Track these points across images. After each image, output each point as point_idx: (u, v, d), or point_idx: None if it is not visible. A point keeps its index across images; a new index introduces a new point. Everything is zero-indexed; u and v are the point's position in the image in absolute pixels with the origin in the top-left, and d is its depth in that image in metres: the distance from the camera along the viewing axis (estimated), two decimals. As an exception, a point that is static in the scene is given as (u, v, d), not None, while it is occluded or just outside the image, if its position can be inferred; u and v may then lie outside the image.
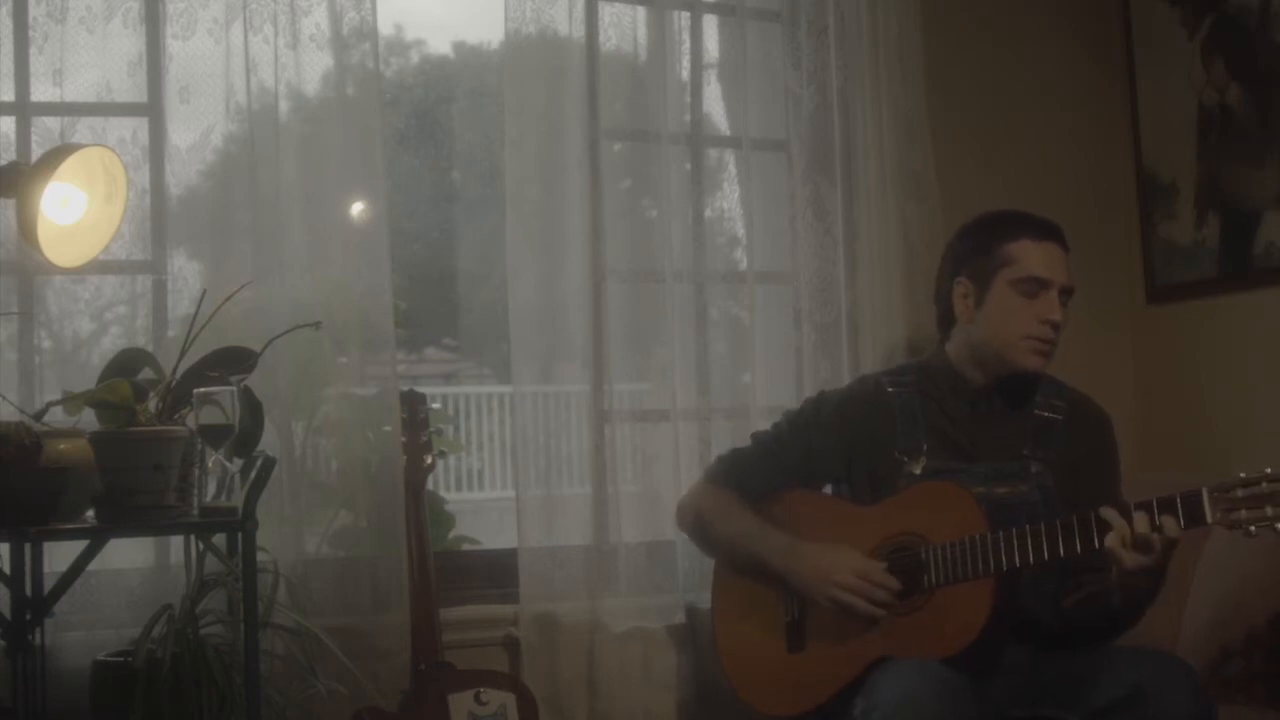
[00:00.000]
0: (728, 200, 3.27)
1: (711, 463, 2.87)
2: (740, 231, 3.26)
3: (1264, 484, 2.21)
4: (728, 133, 3.28)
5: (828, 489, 2.78)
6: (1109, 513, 2.30)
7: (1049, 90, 3.59)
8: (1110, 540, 2.28)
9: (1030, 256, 2.57)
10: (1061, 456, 2.60)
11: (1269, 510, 2.20)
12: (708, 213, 3.23)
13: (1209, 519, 2.25)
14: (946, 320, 2.70)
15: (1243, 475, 2.23)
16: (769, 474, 2.72)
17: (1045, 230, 2.60)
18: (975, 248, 2.65)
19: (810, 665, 2.57)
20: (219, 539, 2.48)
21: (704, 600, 2.85)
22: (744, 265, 3.26)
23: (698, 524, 2.77)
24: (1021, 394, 2.62)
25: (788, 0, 3.27)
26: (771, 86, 3.28)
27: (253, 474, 2.38)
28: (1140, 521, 2.26)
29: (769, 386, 3.21)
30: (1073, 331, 2.61)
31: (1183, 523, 2.26)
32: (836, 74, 3.26)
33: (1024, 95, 3.56)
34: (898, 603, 2.48)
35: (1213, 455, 3.33)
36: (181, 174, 2.80)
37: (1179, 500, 2.26)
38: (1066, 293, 2.59)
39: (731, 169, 3.27)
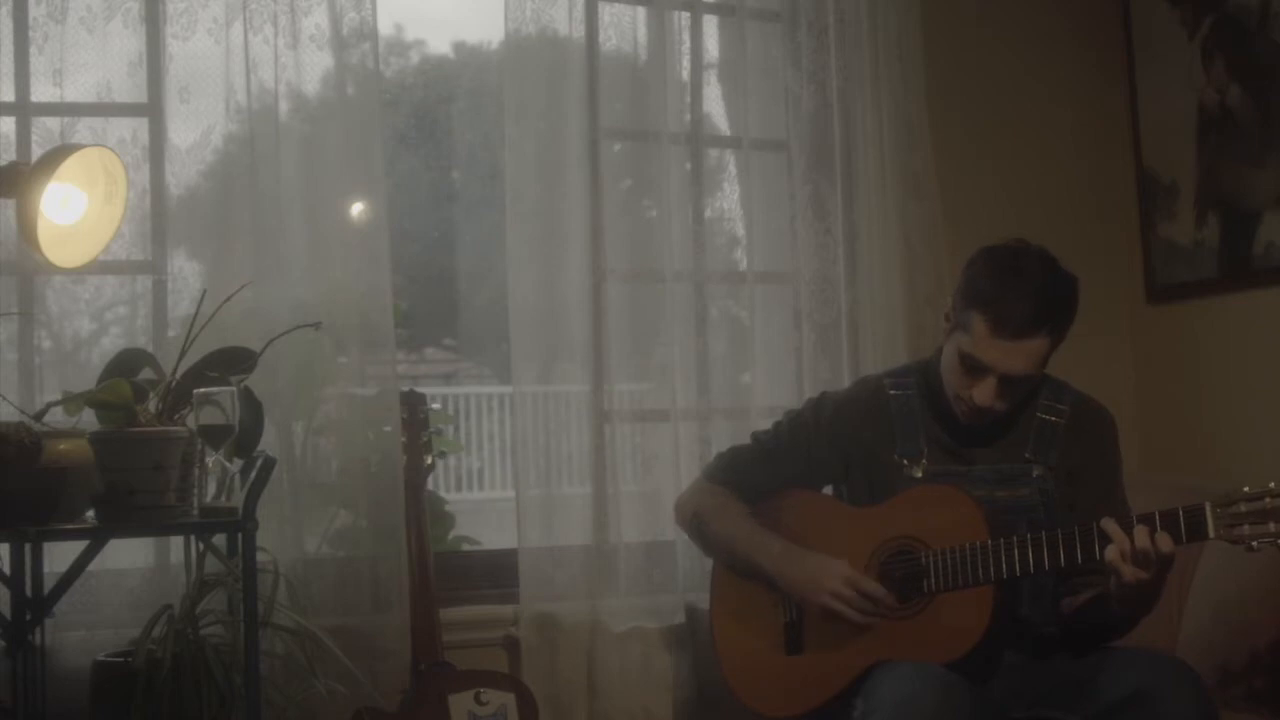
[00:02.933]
0: (728, 200, 3.28)
1: (711, 460, 2.87)
2: (740, 231, 3.27)
3: (1267, 499, 2.20)
4: (728, 133, 3.29)
5: (828, 489, 2.78)
6: (1109, 525, 2.29)
7: (1049, 90, 3.59)
8: (1110, 553, 2.27)
9: (984, 342, 2.42)
10: (1063, 460, 2.58)
11: (1272, 526, 2.19)
12: (708, 213, 3.23)
13: (1211, 534, 2.24)
14: None
15: (1246, 490, 2.22)
16: (767, 476, 2.72)
17: (1017, 328, 2.38)
18: (962, 289, 2.51)
19: (808, 667, 2.57)
20: (219, 539, 2.48)
21: (704, 600, 2.84)
22: (744, 265, 3.26)
23: (695, 523, 2.76)
24: (1004, 416, 2.60)
25: (788, 0, 3.27)
26: (771, 86, 3.28)
27: (253, 474, 2.38)
28: (1140, 535, 2.25)
29: (769, 386, 3.21)
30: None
31: (1185, 537, 2.25)
32: (836, 74, 3.26)
33: (1024, 95, 3.56)
34: (897, 606, 2.48)
35: (1213, 455, 3.34)
36: (181, 174, 2.80)
37: (1181, 514, 2.25)
38: (1014, 379, 2.43)
39: (731, 169, 3.27)
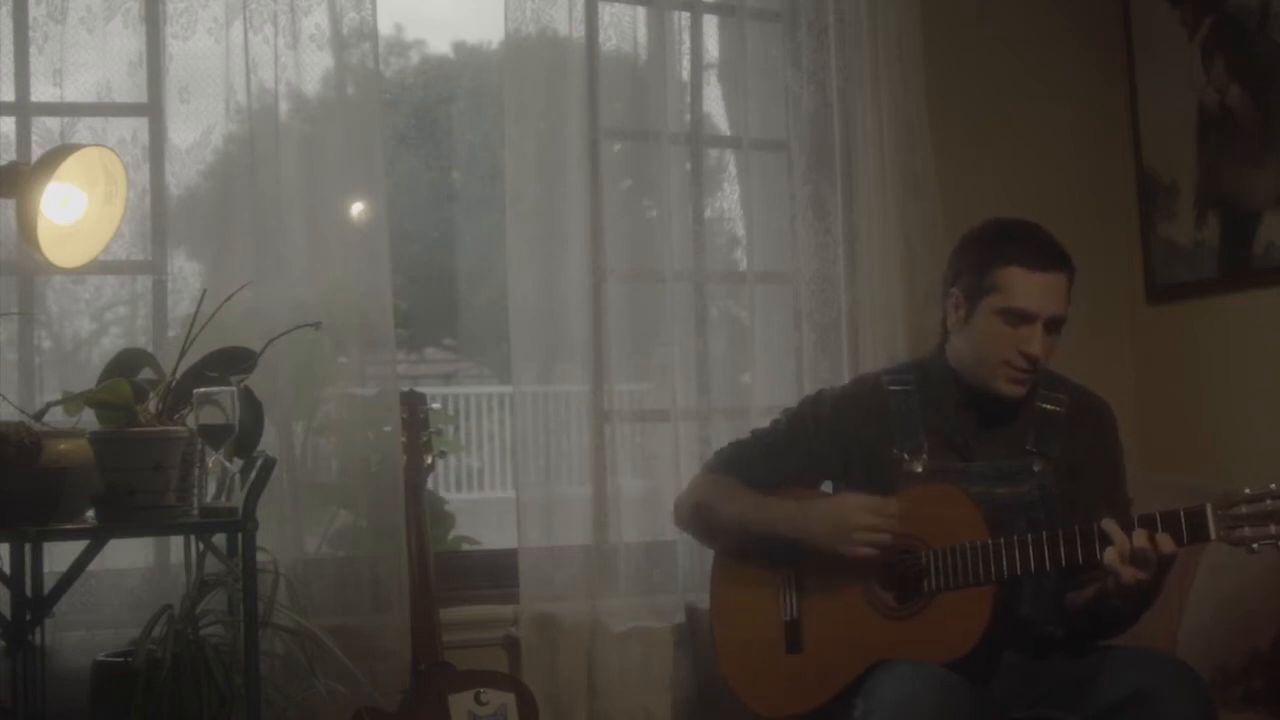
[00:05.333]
0: (728, 200, 3.28)
1: (710, 456, 2.87)
2: (740, 231, 3.27)
3: (1268, 501, 2.20)
4: (728, 133, 3.29)
5: (826, 485, 2.78)
6: (1110, 525, 2.30)
7: (1049, 90, 3.59)
8: (1109, 555, 2.28)
9: (1018, 287, 2.50)
10: (1065, 453, 2.59)
11: (1273, 528, 2.19)
12: (708, 213, 3.23)
13: (1213, 535, 2.24)
14: (946, 323, 2.69)
15: (1247, 491, 2.22)
16: (768, 470, 2.72)
17: (1042, 259, 2.50)
18: (971, 264, 2.58)
19: (809, 666, 2.57)
20: (219, 539, 2.48)
21: (704, 600, 2.84)
22: (744, 265, 3.26)
23: (697, 512, 2.76)
24: (1007, 410, 2.61)
25: (788, 0, 3.27)
26: (771, 86, 3.28)
27: (253, 474, 2.38)
28: (1140, 537, 2.26)
29: (769, 386, 3.21)
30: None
31: (1186, 538, 2.26)
32: (836, 74, 3.26)
33: (1024, 95, 3.56)
34: (898, 606, 2.48)
35: (1213, 455, 3.34)
36: (181, 174, 2.80)
37: (1183, 516, 2.26)
38: (1055, 322, 2.52)
39: (731, 169, 3.27)
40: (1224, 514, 2.23)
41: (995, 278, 2.52)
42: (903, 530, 2.50)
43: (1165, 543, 2.26)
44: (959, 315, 2.60)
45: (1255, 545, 2.21)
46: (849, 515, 2.49)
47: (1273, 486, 2.20)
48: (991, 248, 2.56)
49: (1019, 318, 2.51)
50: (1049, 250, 2.53)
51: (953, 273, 2.65)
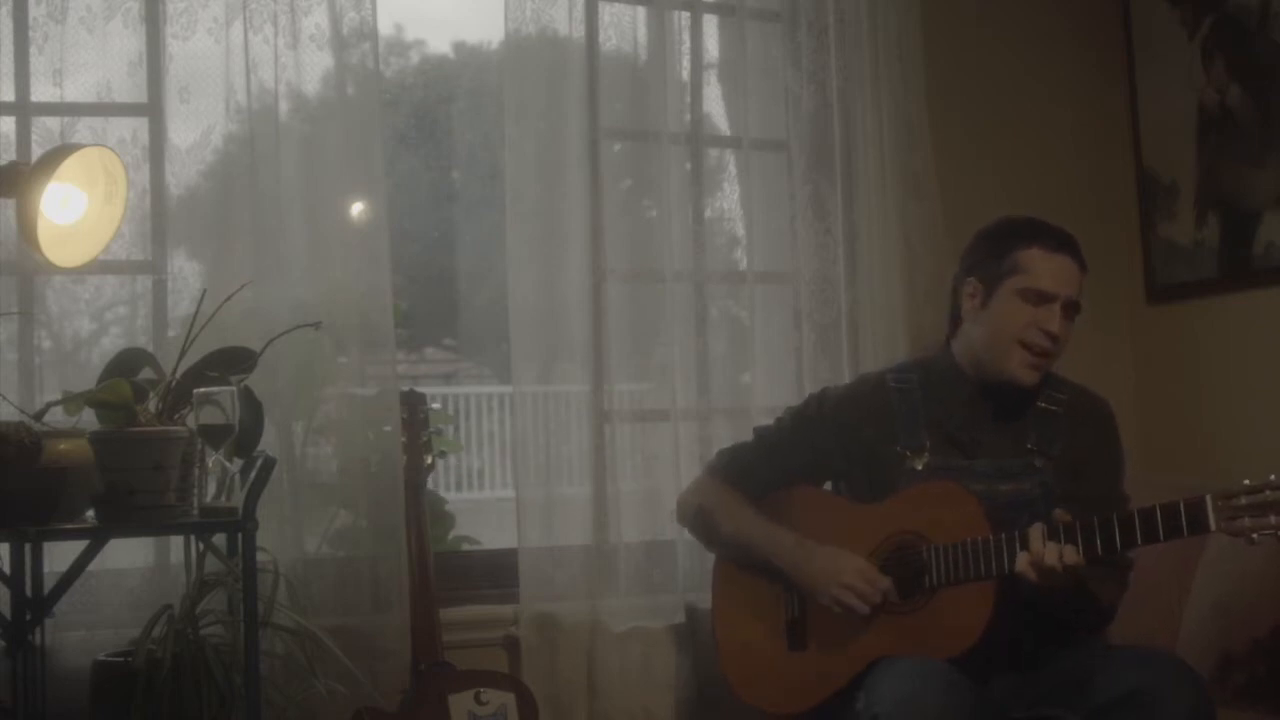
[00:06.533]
0: (728, 200, 3.28)
1: (712, 457, 2.88)
2: (740, 231, 3.27)
3: (1268, 492, 2.21)
4: (728, 133, 3.29)
5: (828, 485, 2.78)
6: (1033, 532, 2.35)
7: (1049, 90, 3.59)
8: (1019, 563, 2.35)
9: (1040, 266, 2.55)
10: (1066, 452, 2.60)
11: (1272, 519, 2.20)
12: (708, 213, 3.23)
13: (1213, 526, 2.25)
14: (955, 318, 2.70)
15: (1247, 483, 2.23)
16: (771, 471, 2.73)
17: (1059, 242, 2.57)
18: (989, 252, 2.63)
19: (811, 663, 2.57)
20: (219, 539, 2.48)
21: (704, 600, 2.85)
22: (744, 265, 3.26)
23: (699, 518, 2.77)
24: (1016, 403, 2.61)
25: (788, 0, 3.27)
26: (771, 86, 3.28)
27: (253, 474, 2.38)
28: (1050, 554, 2.32)
29: (769, 386, 3.21)
30: (1073, 331, 2.61)
31: (1186, 530, 2.27)
32: (836, 74, 3.26)
33: (1024, 95, 3.56)
34: (900, 602, 2.48)
35: (1213, 455, 3.34)
36: (181, 174, 2.80)
37: (1183, 507, 2.26)
38: (1072, 306, 2.57)
39: (731, 169, 3.27)
40: (1224, 505, 2.24)
41: (1017, 259, 2.57)
42: (904, 528, 2.51)
43: (1070, 555, 2.31)
44: (975, 303, 2.62)
45: (1255, 536, 2.22)
46: (842, 572, 2.51)
47: (1272, 477, 2.21)
48: (1011, 234, 2.61)
49: (1040, 297, 2.54)
50: (1066, 238, 2.59)
51: (967, 265, 2.68)
